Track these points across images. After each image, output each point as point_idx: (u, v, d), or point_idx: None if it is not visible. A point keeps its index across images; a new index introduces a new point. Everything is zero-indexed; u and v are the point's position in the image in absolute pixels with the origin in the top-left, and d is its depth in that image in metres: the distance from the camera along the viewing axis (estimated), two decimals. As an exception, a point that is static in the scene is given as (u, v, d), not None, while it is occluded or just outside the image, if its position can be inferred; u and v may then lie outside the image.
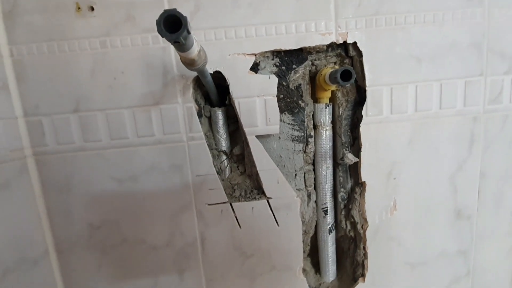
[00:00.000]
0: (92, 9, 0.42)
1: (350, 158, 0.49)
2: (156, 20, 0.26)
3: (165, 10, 0.27)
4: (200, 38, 0.43)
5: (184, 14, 0.25)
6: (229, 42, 0.44)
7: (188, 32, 0.27)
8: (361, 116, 0.48)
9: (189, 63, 0.34)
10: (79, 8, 0.42)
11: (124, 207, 0.48)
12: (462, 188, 0.51)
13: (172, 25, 0.26)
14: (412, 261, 0.54)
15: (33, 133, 0.46)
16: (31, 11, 0.42)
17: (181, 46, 0.29)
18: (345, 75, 0.39)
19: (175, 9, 0.26)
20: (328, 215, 0.54)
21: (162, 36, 0.25)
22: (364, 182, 0.50)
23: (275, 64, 0.47)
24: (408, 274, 0.55)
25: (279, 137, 0.50)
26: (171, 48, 0.44)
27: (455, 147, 0.50)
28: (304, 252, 0.55)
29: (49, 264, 0.49)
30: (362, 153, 0.49)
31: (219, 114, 0.50)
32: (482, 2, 0.45)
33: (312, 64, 0.49)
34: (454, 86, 0.47)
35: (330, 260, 0.56)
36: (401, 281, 0.55)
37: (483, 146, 0.50)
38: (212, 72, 0.45)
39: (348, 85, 0.41)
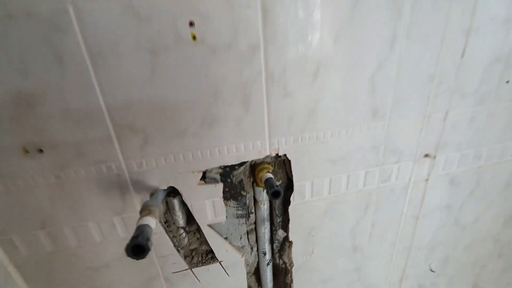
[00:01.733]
0: (41, 151, 0.44)
1: (280, 234, 0.64)
2: (124, 248, 0.34)
3: (131, 240, 0.34)
4: (150, 164, 0.49)
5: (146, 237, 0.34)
6: (179, 164, 0.51)
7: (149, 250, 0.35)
8: (289, 201, 0.61)
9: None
10: (27, 151, 0.44)
11: None
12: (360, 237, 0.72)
13: (137, 248, 0.35)
14: None
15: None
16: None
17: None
18: (275, 194, 0.50)
19: (138, 239, 0.34)
20: (266, 255, 0.72)
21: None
22: (292, 241, 0.67)
23: (220, 167, 0.56)
24: None
25: (227, 217, 0.62)
26: (126, 173, 0.49)
27: (355, 211, 0.68)
28: (249, 277, 0.74)
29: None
30: (290, 224, 0.64)
31: (175, 202, 0.59)
32: (383, 117, 0.57)
33: (252, 161, 0.58)
34: (357, 175, 0.62)
35: (268, 280, 0.77)
36: (316, 290, 0.78)
37: (374, 209, 0.69)
38: (166, 188, 0.52)
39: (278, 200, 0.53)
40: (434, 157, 0.66)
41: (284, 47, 0.45)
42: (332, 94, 0.51)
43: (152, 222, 0.39)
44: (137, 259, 0.34)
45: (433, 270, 0.88)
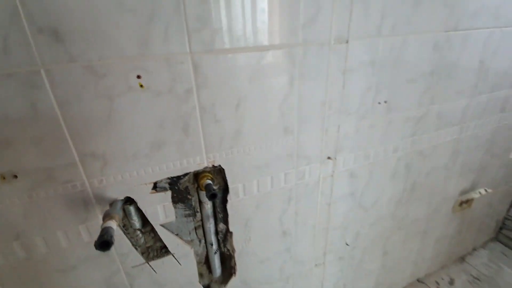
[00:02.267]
0: (16, 176, 0.55)
1: (221, 227, 0.81)
2: (94, 244, 0.48)
3: (99, 238, 0.48)
4: (109, 180, 0.62)
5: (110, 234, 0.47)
6: (133, 179, 0.64)
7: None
8: (227, 200, 0.78)
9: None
10: (4, 178, 0.54)
11: None
12: (287, 224, 0.92)
13: (104, 244, 0.48)
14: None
15: (-22, 261, 0.59)
16: (-46, 186, 0.52)
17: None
18: (212, 196, 0.66)
19: (104, 237, 0.48)
20: (213, 245, 0.88)
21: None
22: (232, 232, 0.84)
23: (168, 178, 0.70)
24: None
25: (176, 217, 0.76)
26: (89, 189, 0.61)
27: (281, 204, 0.87)
28: (200, 266, 0.89)
29: None
30: (229, 218, 0.81)
31: (131, 209, 0.72)
32: (293, 133, 0.77)
33: (195, 171, 0.74)
34: (279, 176, 0.82)
35: (217, 266, 0.93)
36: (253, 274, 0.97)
37: (295, 201, 0.89)
38: (123, 198, 0.65)
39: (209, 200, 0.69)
40: (335, 158, 0.88)
41: (212, 88, 0.62)
42: (252, 119, 0.69)
43: (113, 225, 0.52)
44: (104, 251, 0.48)
45: (348, 244, 1.13)
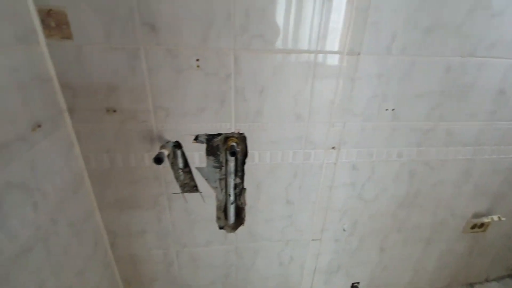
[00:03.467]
0: (115, 111, 0.88)
1: (237, 181, 1.07)
2: (152, 158, 0.78)
3: (156, 155, 0.78)
4: (168, 126, 0.92)
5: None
6: (184, 129, 0.94)
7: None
8: (245, 162, 1.04)
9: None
10: (108, 111, 0.87)
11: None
12: (292, 194, 1.14)
13: (157, 159, 0.78)
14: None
15: None
16: None
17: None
18: (232, 154, 0.93)
19: (159, 155, 0.78)
20: (231, 197, 1.15)
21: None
22: (245, 188, 1.10)
23: (206, 135, 0.98)
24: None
25: (207, 166, 1.05)
26: (155, 129, 0.92)
27: (287, 176, 1.09)
28: (219, 211, 1.18)
29: (95, 214, 1.06)
30: (245, 177, 1.07)
31: (178, 152, 1.02)
32: (304, 120, 0.98)
33: (225, 133, 1.01)
34: (288, 153, 1.04)
35: (231, 214, 1.20)
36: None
37: (301, 177, 1.10)
38: (174, 141, 0.95)
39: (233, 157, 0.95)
40: (339, 149, 1.06)
41: (245, 76, 0.86)
42: (271, 103, 0.92)
43: (165, 152, 0.82)
44: (157, 164, 0.78)
45: (345, 229, 1.30)
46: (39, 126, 0.72)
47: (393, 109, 1.00)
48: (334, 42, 0.86)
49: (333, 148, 1.05)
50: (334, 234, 1.31)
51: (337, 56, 0.88)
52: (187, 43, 0.80)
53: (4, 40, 0.62)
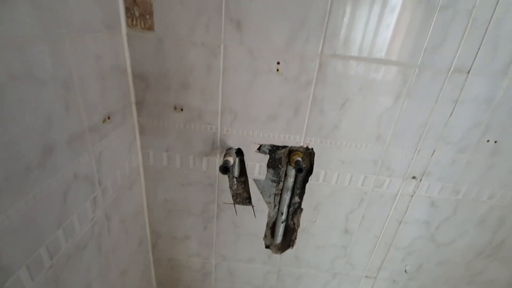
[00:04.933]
0: (182, 110, 0.83)
1: (296, 200, 0.97)
2: (219, 167, 0.71)
3: (223, 163, 0.71)
4: (233, 132, 0.85)
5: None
6: (248, 137, 0.86)
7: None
8: (307, 180, 0.93)
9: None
10: (175, 108, 0.83)
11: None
12: (352, 223, 1.00)
13: (224, 169, 0.71)
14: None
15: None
16: None
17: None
18: (299, 170, 0.83)
19: (226, 164, 0.70)
20: (283, 215, 1.05)
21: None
22: (302, 208, 0.99)
23: (270, 145, 0.90)
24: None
25: (265, 179, 0.96)
26: (219, 133, 0.86)
27: (352, 202, 0.97)
28: (267, 228, 1.08)
29: (143, 212, 1.02)
30: (304, 196, 0.96)
31: (237, 160, 0.95)
32: (384, 142, 0.85)
33: (291, 147, 0.91)
34: (358, 176, 0.91)
35: (279, 234, 1.10)
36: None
37: (367, 205, 0.97)
38: (236, 148, 0.88)
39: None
40: (420, 180, 0.91)
41: (327, 85, 0.77)
42: (351, 119, 0.81)
43: (231, 160, 0.75)
44: (224, 174, 0.70)
45: (407, 271, 1.13)
46: (109, 117, 0.68)
47: (495, 142, 0.83)
48: (439, 56, 0.72)
49: (413, 178, 0.91)
50: (392, 275, 1.14)
51: (440, 73, 0.74)
52: (272, 44, 0.72)
53: (93, 25, 0.59)
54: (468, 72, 0.74)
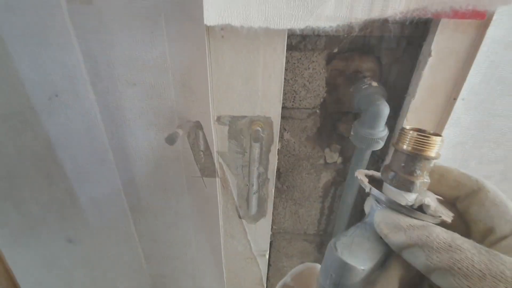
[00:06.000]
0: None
1: (261, 169, 0.97)
2: (164, 138, 0.71)
3: (168, 135, 0.71)
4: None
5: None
6: (206, 108, 0.86)
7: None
8: (270, 150, 0.93)
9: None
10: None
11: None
12: (319, 188, 1.01)
13: (169, 140, 0.71)
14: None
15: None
16: None
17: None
18: (256, 140, 0.83)
19: (172, 135, 0.71)
20: (254, 186, 1.06)
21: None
22: (269, 178, 1.00)
23: (229, 116, 0.89)
24: (287, 218, 1.11)
25: (229, 150, 0.97)
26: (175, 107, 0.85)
27: (318, 170, 0.97)
28: (241, 200, 1.10)
29: (115, 189, 1.05)
30: (269, 165, 0.97)
31: (200, 134, 0.95)
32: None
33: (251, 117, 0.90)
34: (321, 144, 0.91)
35: (253, 204, 1.12)
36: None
37: (332, 172, 0.97)
38: (194, 121, 0.88)
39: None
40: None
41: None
42: (305, 85, 0.79)
43: (180, 132, 0.75)
44: (170, 144, 0.71)
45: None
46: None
47: None
48: None
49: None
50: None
51: None
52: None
53: None
54: None
